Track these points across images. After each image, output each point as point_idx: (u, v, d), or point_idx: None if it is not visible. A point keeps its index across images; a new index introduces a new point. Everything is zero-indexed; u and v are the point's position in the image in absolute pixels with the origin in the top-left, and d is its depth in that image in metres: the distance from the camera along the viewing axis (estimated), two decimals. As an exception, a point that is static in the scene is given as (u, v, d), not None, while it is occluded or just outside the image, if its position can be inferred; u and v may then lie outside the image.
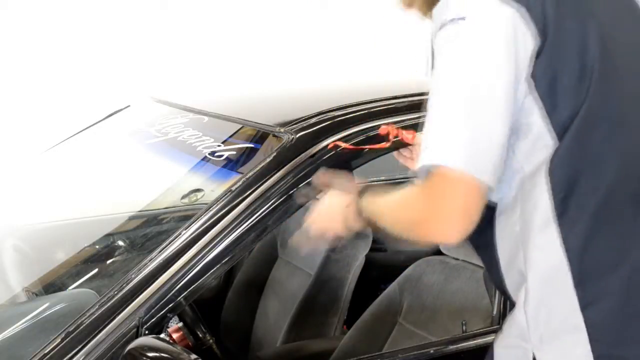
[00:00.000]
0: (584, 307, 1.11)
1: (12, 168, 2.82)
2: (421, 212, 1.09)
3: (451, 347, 1.64)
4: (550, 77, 1.08)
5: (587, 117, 1.09)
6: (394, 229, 1.19)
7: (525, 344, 1.17)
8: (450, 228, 1.06)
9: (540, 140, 1.10)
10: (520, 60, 1.06)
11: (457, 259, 2.07)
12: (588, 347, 1.11)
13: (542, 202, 1.10)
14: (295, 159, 1.49)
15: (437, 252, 2.17)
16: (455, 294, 2.00)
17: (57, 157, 2.26)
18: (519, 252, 1.16)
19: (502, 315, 1.69)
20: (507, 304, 1.68)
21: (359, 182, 1.43)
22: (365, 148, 1.56)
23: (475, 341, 1.66)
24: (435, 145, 1.06)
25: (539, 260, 1.13)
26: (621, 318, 1.12)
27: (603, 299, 1.11)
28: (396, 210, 1.18)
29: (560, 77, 1.08)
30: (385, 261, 2.95)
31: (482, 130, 1.04)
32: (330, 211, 1.37)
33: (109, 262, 1.90)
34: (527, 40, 1.06)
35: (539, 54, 1.07)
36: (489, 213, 1.19)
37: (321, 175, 1.45)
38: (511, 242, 1.17)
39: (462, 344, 1.65)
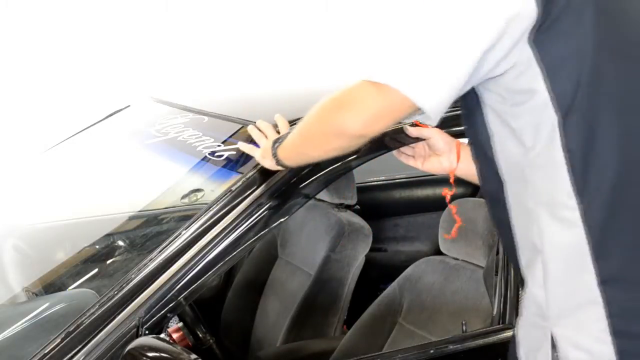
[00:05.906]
0: (603, 282, 1.10)
1: (12, 168, 2.82)
2: (337, 99, 1.13)
3: (451, 347, 1.64)
4: (555, 48, 1.05)
5: (591, 87, 1.06)
6: (308, 131, 1.26)
7: (544, 322, 1.17)
8: (354, 117, 1.09)
9: (544, 112, 1.08)
10: (521, 18, 1.02)
11: (457, 259, 2.07)
12: (606, 322, 1.10)
13: (560, 177, 1.09)
14: (296, 159, 1.49)
15: (437, 252, 2.17)
16: (455, 294, 2.00)
17: (57, 157, 2.26)
18: (532, 227, 1.15)
19: (502, 315, 1.69)
20: (507, 304, 1.68)
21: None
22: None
23: (475, 341, 1.66)
24: (388, 64, 1.05)
25: (559, 235, 1.12)
26: None
27: (623, 276, 1.11)
28: (316, 109, 1.21)
29: (563, 48, 1.05)
30: (385, 261, 2.96)
31: (440, 62, 1.02)
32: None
33: (109, 262, 1.90)
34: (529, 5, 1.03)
35: (543, 23, 1.04)
36: (499, 186, 1.19)
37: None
38: (526, 218, 1.17)
39: (462, 344, 1.65)
